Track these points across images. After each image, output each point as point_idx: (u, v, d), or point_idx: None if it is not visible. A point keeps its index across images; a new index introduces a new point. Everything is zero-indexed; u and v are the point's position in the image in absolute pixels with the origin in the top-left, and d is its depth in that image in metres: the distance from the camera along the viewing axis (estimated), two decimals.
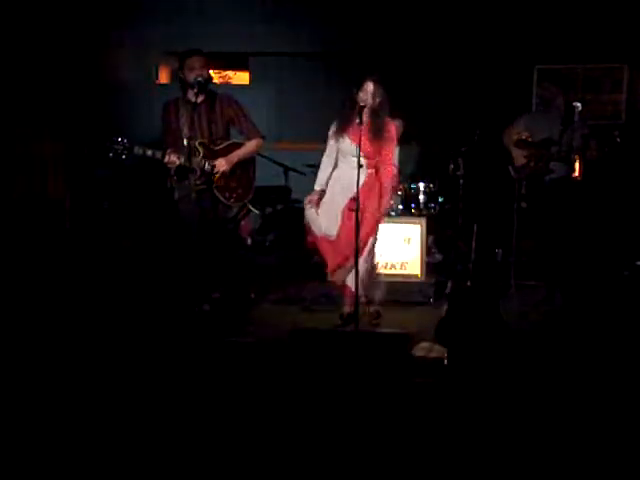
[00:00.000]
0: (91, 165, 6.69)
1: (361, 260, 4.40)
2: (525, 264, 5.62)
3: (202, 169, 4.63)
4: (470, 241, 5.53)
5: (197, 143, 4.65)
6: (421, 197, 5.87)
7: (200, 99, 4.59)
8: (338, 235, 4.58)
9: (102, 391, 3.57)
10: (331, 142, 4.68)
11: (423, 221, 5.57)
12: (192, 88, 4.55)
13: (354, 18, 7.54)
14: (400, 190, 5.77)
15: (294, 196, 7.11)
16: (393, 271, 5.51)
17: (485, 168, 6.54)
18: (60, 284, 5.45)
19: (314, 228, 4.65)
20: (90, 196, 6.89)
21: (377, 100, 4.53)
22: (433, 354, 3.88)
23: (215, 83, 6.26)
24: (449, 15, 7.33)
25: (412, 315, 5.04)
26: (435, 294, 5.40)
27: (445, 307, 4.49)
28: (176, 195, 4.75)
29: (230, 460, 2.96)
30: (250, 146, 4.81)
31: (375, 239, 4.70)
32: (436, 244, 6.06)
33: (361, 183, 4.38)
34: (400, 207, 5.83)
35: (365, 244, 4.57)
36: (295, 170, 6.82)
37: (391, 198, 5.06)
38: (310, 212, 4.65)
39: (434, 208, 5.91)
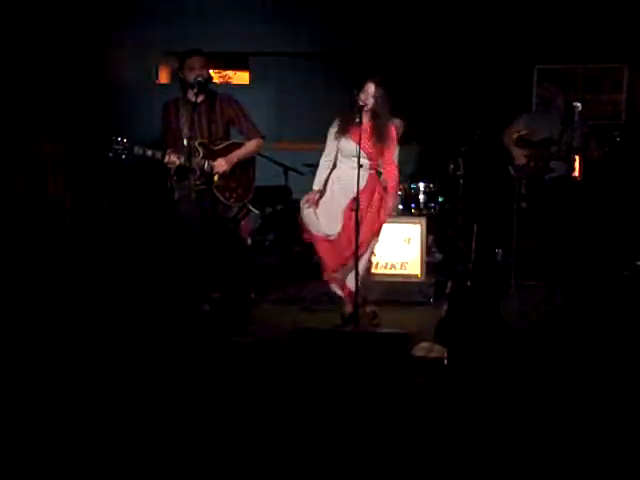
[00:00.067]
0: (91, 165, 6.69)
1: (361, 260, 4.40)
2: (525, 264, 5.62)
3: (202, 169, 4.62)
4: (470, 241, 5.52)
5: (197, 143, 4.64)
6: (421, 197, 5.88)
7: (200, 99, 4.59)
8: (339, 235, 4.58)
9: (102, 391, 3.56)
10: (331, 142, 4.67)
11: (423, 221, 5.57)
12: (192, 88, 4.55)
13: (354, 18, 7.54)
14: (400, 190, 5.76)
15: (294, 196, 7.08)
16: (393, 271, 5.51)
17: (485, 168, 6.54)
18: (60, 284, 5.45)
19: (311, 227, 4.64)
20: (90, 196, 6.90)
21: (378, 101, 4.53)
22: (433, 354, 3.88)
23: (215, 83, 6.25)
24: (449, 15, 7.33)
25: (412, 315, 5.04)
26: (435, 294, 5.40)
27: (445, 307, 4.48)
28: (176, 195, 4.75)
29: (230, 460, 2.96)
30: (250, 146, 4.81)
31: (376, 240, 4.70)
32: (436, 244, 6.06)
33: (362, 184, 4.39)
34: (400, 207, 5.83)
35: (367, 245, 4.57)
36: (295, 170, 6.81)
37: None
38: (308, 211, 4.63)
39: (434, 208, 5.92)
